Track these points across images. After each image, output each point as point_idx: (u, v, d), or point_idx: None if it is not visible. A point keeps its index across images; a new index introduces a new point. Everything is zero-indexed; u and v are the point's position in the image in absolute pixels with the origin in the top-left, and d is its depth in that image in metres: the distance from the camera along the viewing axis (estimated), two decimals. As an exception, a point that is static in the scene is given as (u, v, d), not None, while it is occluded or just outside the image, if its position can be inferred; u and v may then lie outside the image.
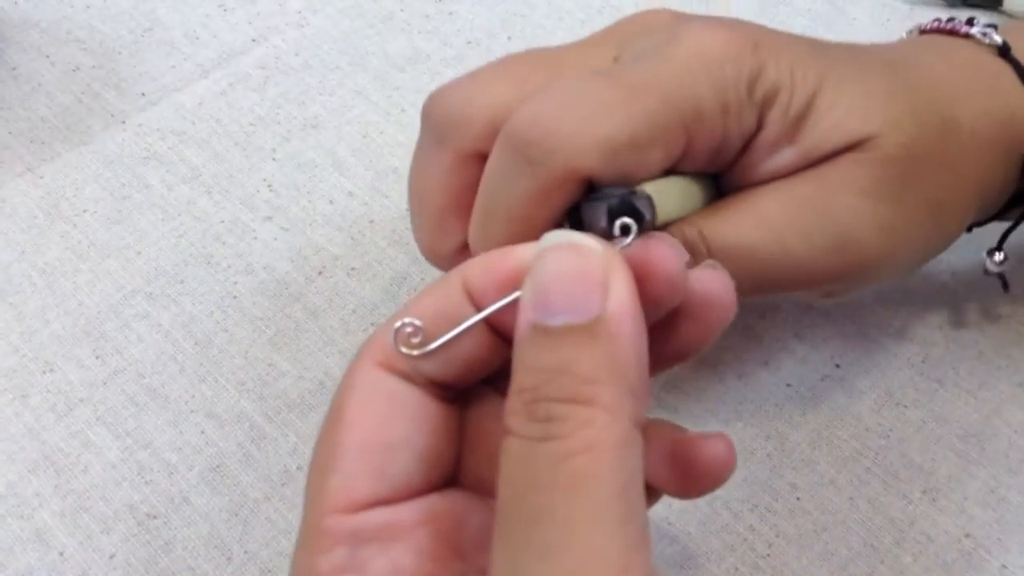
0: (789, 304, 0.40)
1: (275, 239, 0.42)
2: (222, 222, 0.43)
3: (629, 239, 0.23)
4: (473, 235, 0.29)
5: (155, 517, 0.35)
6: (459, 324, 0.23)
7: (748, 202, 0.29)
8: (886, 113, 0.29)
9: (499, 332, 0.24)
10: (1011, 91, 0.32)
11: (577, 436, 0.20)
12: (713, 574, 0.34)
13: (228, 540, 0.34)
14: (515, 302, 0.22)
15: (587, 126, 0.26)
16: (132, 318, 0.40)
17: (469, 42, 0.50)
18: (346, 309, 0.40)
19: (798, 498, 0.35)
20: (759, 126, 0.29)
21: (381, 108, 0.47)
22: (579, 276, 0.21)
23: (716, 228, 0.29)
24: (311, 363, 0.39)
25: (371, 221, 0.43)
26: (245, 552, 0.34)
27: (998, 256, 0.35)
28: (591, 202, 0.26)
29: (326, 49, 0.50)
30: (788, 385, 0.38)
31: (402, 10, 0.51)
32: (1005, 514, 0.35)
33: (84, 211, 0.43)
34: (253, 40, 0.50)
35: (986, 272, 0.36)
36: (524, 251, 0.23)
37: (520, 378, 0.21)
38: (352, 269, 0.41)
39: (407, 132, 0.46)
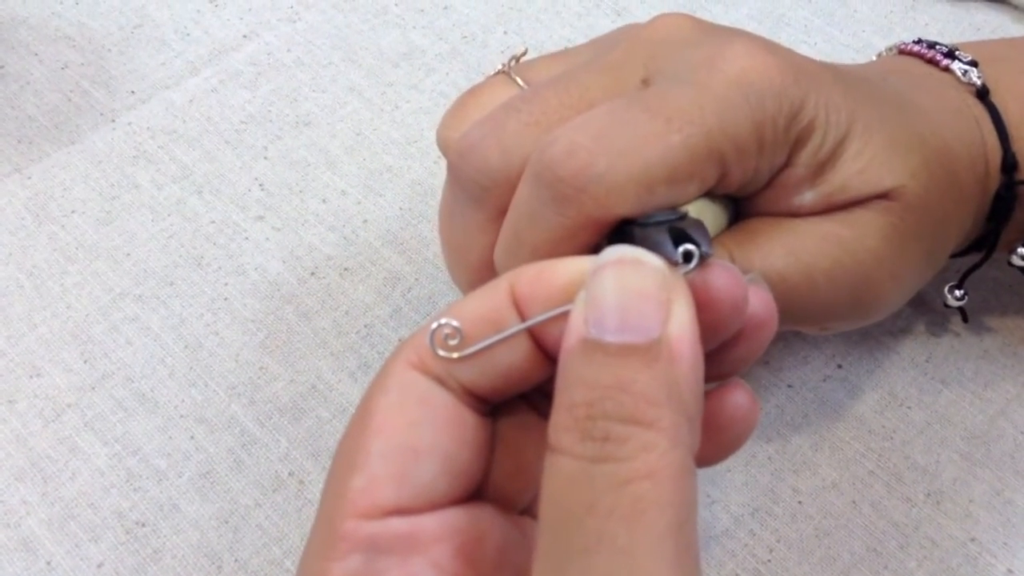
0: (790, 303, 0.39)
1: (267, 239, 0.42)
2: (213, 222, 0.42)
3: (691, 265, 0.22)
4: (497, 266, 0.28)
5: (144, 525, 0.34)
6: (501, 331, 0.22)
7: (779, 232, 0.28)
8: (906, 165, 0.29)
9: (542, 347, 0.23)
10: (988, 141, 0.32)
11: (639, 460, 0.19)
12: (713, 580, 0.33)
13: (218, 548, 0.34)
14: (563, 317, 0.21)
15: (623, 161, 0.24)
16: (121, 321, 0.39)
17: (464, 37, 0.49)
18: (339, 310, 0.39)
19: (800, 502, 0.35)
20: (786, 164, 0.28)
21: (375, 105, 0.46)
22: (641, 295, 0.20)
23: (747, 254, 0.28)
24: (303, 366, 0.38)
25: (364, 220, 0.42)
26: (236, 560, 0.34)
27: (958, 292, 0.35)
28: (645, 227, 0.24)
29: (318, 45, 0.49)
30: (789, 386, 0.37)
31: (396, 4, 0.51)
32: (1011, 517, 0.34)
33: (72, 212, 0.43)
34: (244, 36, 0.49)
35: (946, 306, 0.36)
36: (579, 263, 0.22)
37: (572, 393, 0.20)
38: (345, 269, 0.41)
39: (401, 129, 0.45)
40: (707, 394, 0.24)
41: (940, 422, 0.36)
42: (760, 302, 0.23)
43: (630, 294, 0.20)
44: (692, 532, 0.19)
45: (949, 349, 0.38)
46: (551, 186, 0.25)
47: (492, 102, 0.30)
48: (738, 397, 0.24)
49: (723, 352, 0.23)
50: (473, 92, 0.32)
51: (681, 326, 0.20)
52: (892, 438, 0.36)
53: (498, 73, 0.32)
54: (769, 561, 0.33)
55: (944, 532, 0.34)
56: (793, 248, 0.28)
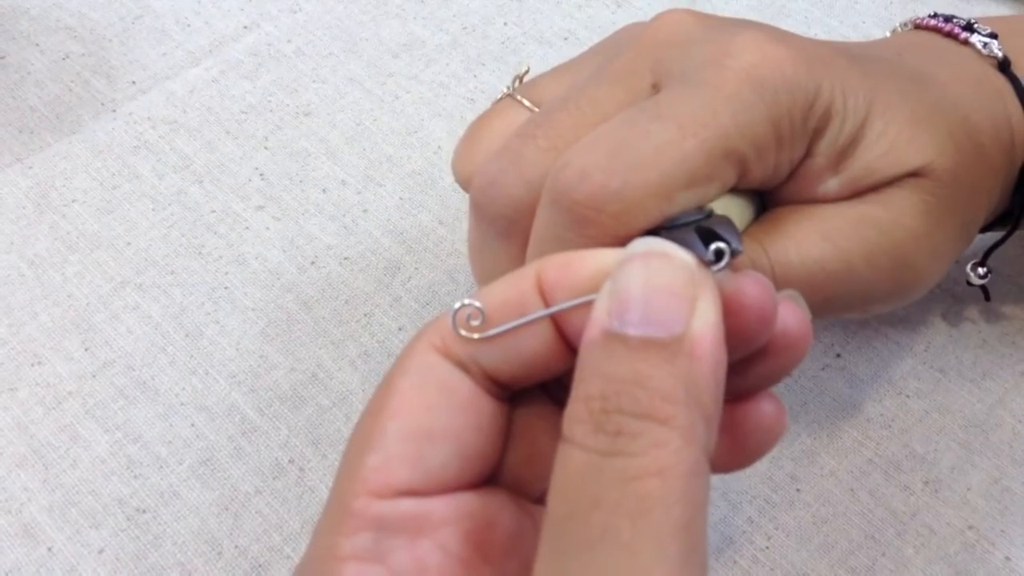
0: (789, 292, 0.39)
1: (267, 229, 0.42)
2: (213, 212, 0.42)
3: (723, 263, 0.21)
4: None
5: (145, 511, 0.34)
6: (525, 316, 0.22)
7: (811, 219, 0.28)
8: (932, 140, 0.29)
9: (565, 336, 0.22)
10: (1012, 111, 0.32)
11: (650, 456, 0.19)
12: (711, 567, 0.33)
13: (218, 535, 0.34)
14: (587, 307, 0.21)
15: (639, 175, 0.24)
16: (122, 310, 0.39)
17: (464, 28, 0.49)
18: (339, 299, 0.40)
19: (798, 490, 0.35)
20: (806, 155, 0.28)
21: (375, 95, 0.46)
22: (667, 289, 0.20)
23: (781, 245, 0.27)
24: (303, 355, 0.38)
25: (364, 210, 0.42)
26: (236, 547, 0.34)
27: (981, 270, 0.35)
28: (672, 230, 0.24)
29: (319, 35, 0.49)
30: (788, 375, 0.37)
31: (396, -5, 0.51)
32: (1009, 505, 0.34)
33: (73, 201, 0.43)
34: (245, 27, 0.49)
35: (968, 284, 0.36)
36: (608, 254, 0.22)
37: (589, 385, 0.20)
38: (345, 259, 0.41)
39: (401, 119, 0.45)
40: (732, 404, 0.23)
41: (938, 411, 0.36)
42: (795, 320, 0.23)
43: (655, 288, 0.20)
44: (700, 532, 0.19)
45: (947, 338, 0.38)
46: (569, 210, 0.25)
47: (503, 129, 0.29)
48: (765, 405, 0.23)
49: (751, 366, 0.23)
50: (482, 120, 0.32)
51: (705, 324, 0.20)
52: (890, 427, 0.36)
53: (504, 97, 0.32)
54: (767, 548, 0.33)
55: (942, 520, 0.34)
56: (828, 233, 0.28)
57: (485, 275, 0.30)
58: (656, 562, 0.18)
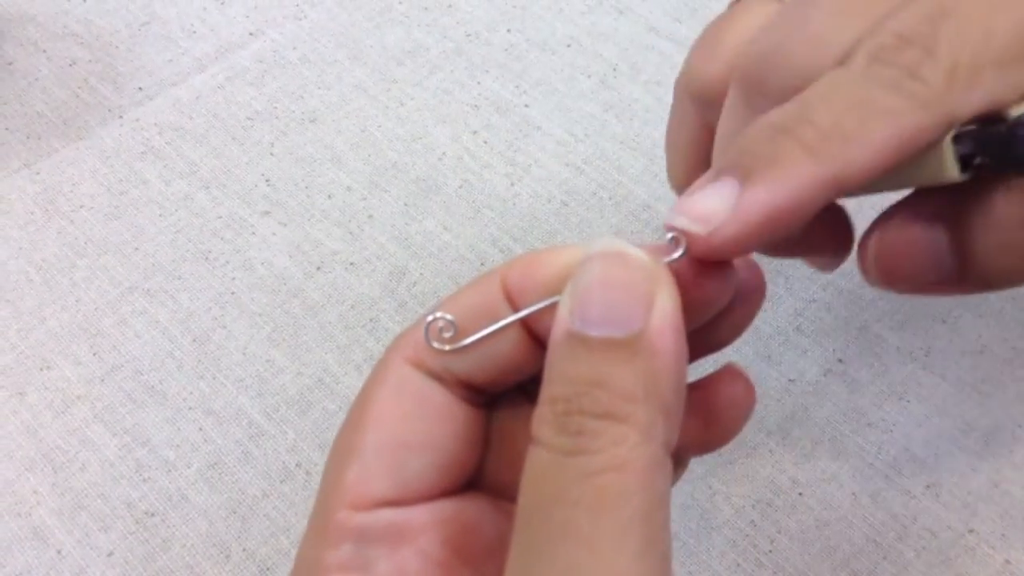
0: (791, 297, 0.40)
1: (273, 234, 0.42)
2: (220, 217, 0.43)
3: (677, 254, 0.21)
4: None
5: (153, 515, 0.35)
6: (495, 323, 0.23)
7: None
8: None
9: (535, 337, 0.23)
10: None
11: (608, 453, 0.19)
12: (715, 570, 0.34)
13: (226, 538, 0.34)
14: (554, 307, 0.21)
15: (818, 47, 0.22)
16: (130, 314, 0.40)
17: (468, 35, 0.50)
18: (344, 304, 0.40)
19: (800, 493, 0.35)
20: None
21: (380, 102, 0.47)
22: (624, 287, 0.20)
23: None
24: (309, 359, 0.38)
25: (370, 216, 0.43)
26: (244, 550, 0.34)
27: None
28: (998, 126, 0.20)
29: (324, 42, 0.49)
30: (790, 380, 0.38)
31: (400, 3, 0.51)
32: (1009, 509, 0.34)
33: (81, 207, 0.43)
34: (250, 34, 0.50)
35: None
36: (569, 255, 0.22)
37: (553, 387, 0.20)
38: (351, 264, 0.41)
39: (406, 126, 0.46)
40: (703, 382, 0.24)
41: (939, 415, 0.37)
42: (749, 271, 0.23)
43: (613, 287, 0.20)
44: (660, 524, 0.19)
45: (948, 343, 0.39)
46: (741, 86, 0.25)
47: (750, 24, 0.27)
48: (733, 383, 0.24)
49: (712, 326, 0.23)
50: (722, 22, 0.29)
51: (663, 318, 0.20)
52: (891, 431, 0.36)
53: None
54: (770, 551, 0.34)
55: (942, 523, 0.34)
56: None
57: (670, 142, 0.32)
58: (615, 555, 0.18)
